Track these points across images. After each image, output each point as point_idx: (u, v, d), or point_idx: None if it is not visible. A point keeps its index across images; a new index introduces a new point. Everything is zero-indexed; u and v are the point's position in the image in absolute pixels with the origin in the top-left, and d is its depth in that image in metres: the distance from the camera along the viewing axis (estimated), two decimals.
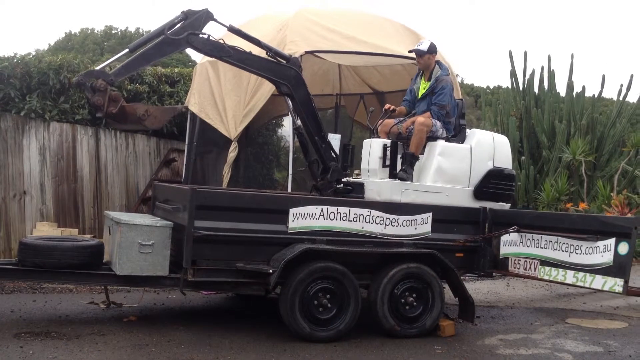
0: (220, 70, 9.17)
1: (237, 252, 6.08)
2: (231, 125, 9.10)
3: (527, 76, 13.73)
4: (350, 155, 7.65)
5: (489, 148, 7.36)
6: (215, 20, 6.67)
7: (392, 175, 6.98)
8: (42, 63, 9.61)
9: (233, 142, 9.10)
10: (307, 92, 7.06)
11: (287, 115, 9.32)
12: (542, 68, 13.67)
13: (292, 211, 6.21)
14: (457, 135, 7.43)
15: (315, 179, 7.28)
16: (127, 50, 6.48)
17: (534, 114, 13.12)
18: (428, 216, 6.72)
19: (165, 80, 11.32)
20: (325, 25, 9.35)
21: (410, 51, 7.68)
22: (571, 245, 6.29)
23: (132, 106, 6.52)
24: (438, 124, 7.26)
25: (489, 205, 7.15)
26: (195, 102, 9.68)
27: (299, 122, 7.12)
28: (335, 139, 7.54)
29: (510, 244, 6.83)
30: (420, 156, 7.17)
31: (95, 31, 39.90)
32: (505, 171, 7.36)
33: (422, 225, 6.69)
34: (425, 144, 7.21)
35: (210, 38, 6.55)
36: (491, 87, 35.74)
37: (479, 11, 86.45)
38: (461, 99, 7.88)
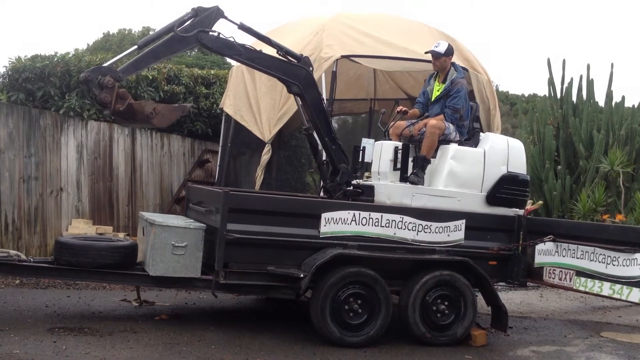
0: (255, 73, 9.20)
1: (269, 256, 6.09)
2: (265, 127, 9.13)
3: (565, 84, 13.53)
4: (362, 158, 7.56)
5: (503, 152, 7.15)
6: (225, 17, 6.56)
7: (403, 178, 6.87)
8: (81, 62, 9.76)
9: (267, 145, 9.12)
10: (318, 93, 6.97)
11: None
12: (581, 77, 13.45)
13: (324, 216, 6.20)
14: (470, 138, 7.26)
15: (324, 180, 7.20)
16: (135, 47, 6.41)
17: (571, 123, 12.91)
18: (461, 223, 6.65)
19: (201, 82, 11.41)
20: (362, 29, 9.33)
21: (426, 52, 7.51)
22: (608, 256, 6.18)
23: (139, 104, 6.43)
24: (451, 127, 7.10)
25: (502, 211, 6.99)
26: (231, 104, 9.74)
27: (309, 123, 7.04)
28: (369, 144, 7.48)
29: (546, 253, 6.73)
30: (432, 160, 7.03)
31: (133, 32, 40.35)
32: (519, 176, 7.15)
33: (455, 232, 6.62)
34: (438, 147, 7.07)
35: (221, 36, 6.44)
36: (526, 95, 35.24)
37: (515, 18, 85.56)
38: (475, 102, 7.69)
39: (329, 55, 8.79)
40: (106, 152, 9.91)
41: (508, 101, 33.66)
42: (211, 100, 11.21)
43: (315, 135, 7.10)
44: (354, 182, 7.13)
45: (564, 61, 13.54)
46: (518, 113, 15.83)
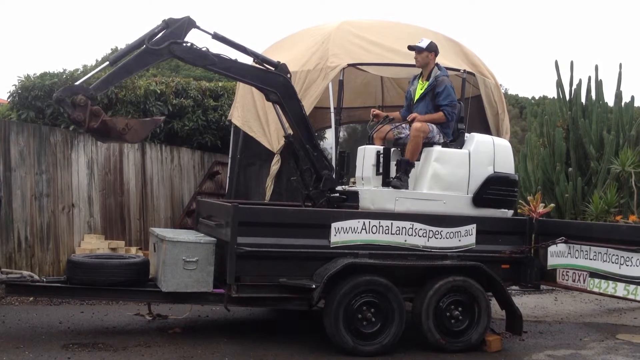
0: None
1: (280, 268, 6.09)
2: (274, 138, 9.14)
3: (574, 86, 13.46)
4: (346, 163, 7.47)
5: (489, 153, 7.03)
6: (198, 27, 6.49)
7: (386, 183, 6.78)
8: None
9: (276, 155, 9.14)
10: (297, 99, 6.90)
11: (329, 127, 9.32)
12: (589, 78, 13.38)
13: (334, 225, 6.20)
14: (455, 140, 7.15)
15: (307, 188, 7.07)
16: (107, 63, 6.40)
17: (581, 124, 12.84)
18: (472, 227, 6.62)
19: (210, 94, 11.45)
20: (368, 37, 9.33)
21: (409, 47, 7.46)
22: (621, 256, 6.15)
23: (112, 120, 6.40)
24: (435, 129, 7.00)
25: (490, 212, 6.91)
26: (239, 116, 9.76)
27: (290, 130, 6.98)
28: None
29: (558, 255, 6.71)
30: (416, 163, 6.93)
31: None
32: (506, 176, 7.04)
33: (466, 237, 6.60)
34: (422, 150, 6.98)
35: (193, 46, 6.36)
36: (536, 98, 35.04)
37: (523, 21, 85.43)
38: (460, 102, 7.65)
39: (335, 64, 8.80)
40: (116, 167, 9.95)
41: (518, 104, 33.54)
42: (220, 113, 11.24)
43: (294, 142, 7.02)
44: (339, 188, 7.08)
45: (572, 63, 13.49)
46: (528, 116, 15.78)
